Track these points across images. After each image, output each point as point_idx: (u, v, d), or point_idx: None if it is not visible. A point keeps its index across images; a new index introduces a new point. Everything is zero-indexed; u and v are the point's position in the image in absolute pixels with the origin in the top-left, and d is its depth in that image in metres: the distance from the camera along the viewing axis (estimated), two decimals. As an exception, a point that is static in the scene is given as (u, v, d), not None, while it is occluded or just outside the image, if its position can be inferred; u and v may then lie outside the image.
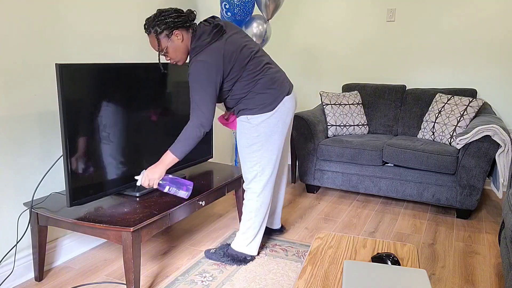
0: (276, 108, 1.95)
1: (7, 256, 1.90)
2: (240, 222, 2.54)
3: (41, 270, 1.94)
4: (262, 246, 2.32)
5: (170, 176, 1.92)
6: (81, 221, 1.70)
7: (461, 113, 2.93)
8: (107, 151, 1.87)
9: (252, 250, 2.14)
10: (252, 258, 2.16)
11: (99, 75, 1.78)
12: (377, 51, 3.73)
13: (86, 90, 1.73)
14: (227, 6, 2.81)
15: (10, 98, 1.83)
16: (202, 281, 1.95)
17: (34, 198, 1.97)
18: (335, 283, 1.29)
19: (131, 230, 1.64)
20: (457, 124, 2.92)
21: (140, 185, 1.86)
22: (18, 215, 1.92)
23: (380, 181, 2.97)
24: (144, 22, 1.90)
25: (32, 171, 1.96)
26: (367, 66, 3.79)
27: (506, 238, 1.73)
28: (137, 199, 1.97)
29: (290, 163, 3.70)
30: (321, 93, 3.41)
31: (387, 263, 1.37)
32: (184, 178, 2.15)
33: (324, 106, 3.37)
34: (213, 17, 1.95)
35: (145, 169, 1.95)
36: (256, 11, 3.63)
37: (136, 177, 1.87)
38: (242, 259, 2.12)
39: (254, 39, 2.91)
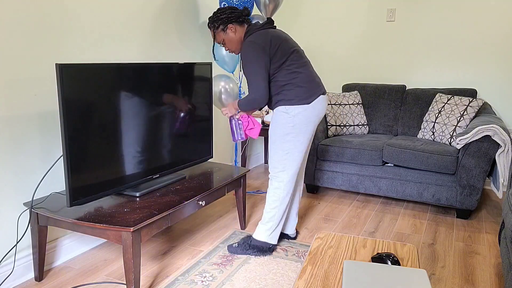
0: (312, 103, 2.06)
1: (7, 256, 1.90)
2: (238, 220, 2.55)
3: (41, 270, 1.94)
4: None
5: (240, 122, 2.19)
6: (81, 221, 1.70)
7: (461, 113, 2.93)
8: (107, 151, 1.87)
9: (273, 239, 2.19)
10: (274, 247, 2.22)
11: (99, 75, 1.78)
12: (377, 51, 3.73)
13: (86, 90, 1.73)
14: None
15: (10, 98, 1.83)
16: (202, 281, 1.95)
17: (34, 198, 1.97)
18: (335, 283, 1.29)
19: (131, 230, 1.64)
20: (457, 124, 2.92)
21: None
22: (18, 215, 1.93)
23: (380, 181, 2.96)
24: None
25: (32, 171, 1.96)
26: (367, 66, 3.80)
27: (506, 238, 1.73)
28: (137, 199, 1.98)
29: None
30: (321, 93, 3.41)
31: (387, 263, 1.37)
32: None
33: (324, 106, 3.37)
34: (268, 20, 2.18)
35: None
36: (255, 11, 3.62)
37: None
38: (267, 249, 2.19)
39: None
